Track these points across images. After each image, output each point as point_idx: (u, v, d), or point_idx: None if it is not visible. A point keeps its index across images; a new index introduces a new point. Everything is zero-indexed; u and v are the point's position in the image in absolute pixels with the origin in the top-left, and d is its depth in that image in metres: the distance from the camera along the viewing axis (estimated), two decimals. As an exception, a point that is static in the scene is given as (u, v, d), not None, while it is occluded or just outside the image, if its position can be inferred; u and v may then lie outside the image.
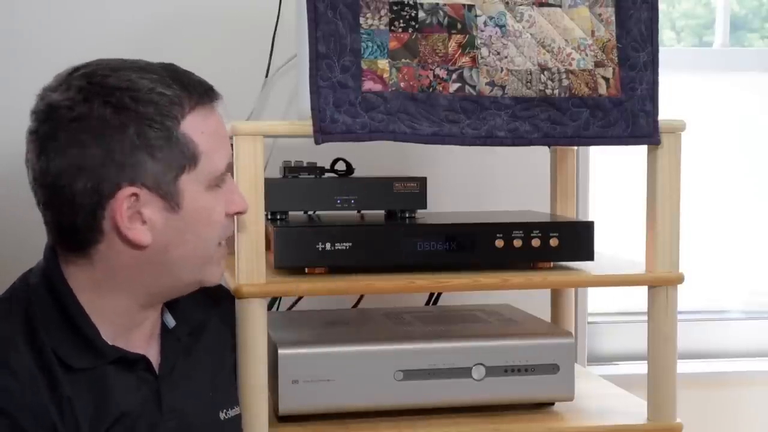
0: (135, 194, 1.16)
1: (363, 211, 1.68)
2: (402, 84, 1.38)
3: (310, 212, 1.69)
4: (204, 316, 1.37)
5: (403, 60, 1.38)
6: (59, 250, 1.22)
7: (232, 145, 1.33)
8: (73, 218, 1.17)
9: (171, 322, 1.31)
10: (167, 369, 1.27)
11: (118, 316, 1.23)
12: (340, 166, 1.73)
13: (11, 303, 1.22)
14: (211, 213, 1.23)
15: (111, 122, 1.15)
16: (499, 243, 1.47)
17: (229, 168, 1.26)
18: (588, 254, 1.51)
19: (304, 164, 1.63)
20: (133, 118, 1.16)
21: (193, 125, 1.20)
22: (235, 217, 1.35)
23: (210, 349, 1.35)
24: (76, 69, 1.20)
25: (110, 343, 1.22)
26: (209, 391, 1.32)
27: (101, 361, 1.20)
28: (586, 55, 1.44)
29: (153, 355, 1.27)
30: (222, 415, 1.32)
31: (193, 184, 1.20)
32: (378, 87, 1.37)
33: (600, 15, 1.45)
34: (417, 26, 1.39)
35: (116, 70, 1.19)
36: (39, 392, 1.15)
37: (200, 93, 1.22)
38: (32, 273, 1.26)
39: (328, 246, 1.43)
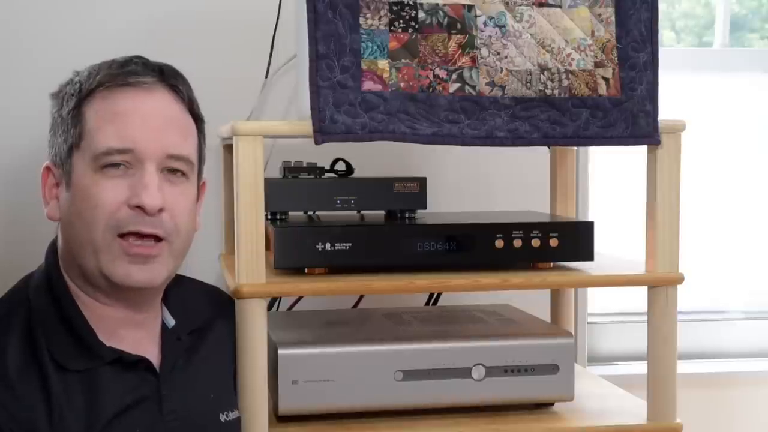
0: (48, 168, 1.25)
1: (363, 211, 1.68)
2: (402, 84, 1.38)
3: (310, 212, 1.69)
4: (208, 317, 1.37)
5: (402, 60, 1.38)
6: None
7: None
8: None
9: (171, 321, 1.32)
10: (168, 368, 1.27)
11: (101, 310, 1.23)
12: (340, 166, 1.74)
13: (10, 304, 1.22)
14: (94, 196, 1.18)
15: (52, 106, 1.26)
16: (499, 243, 1.47)
17: (121, 153, 1.19)
18: (588, 254, 1.51)
19: (304, 164, 1.63)
20: (58, 99, 1.25)
21: (93, 104, 1.21)
22: (236, 217, 1.35)
23: (212, 351, 1.35)
24: None
25: (107, 344, 1.22)
26: (210, 393, 1.32)
27: (97, 362, 1.20)
28: (586, 55, 1.44)
29: (155, 355, 1.28)
30: (222, 418, 1.32)
31: (80, 163, 1.21)
32: (378, 87, 1.37)
33: (600, 15, 1.45)
34: (417, 26, 1.39)
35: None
36: (28, 396, 1.14)
37: (115, 74, 1.22)
38: (34, 275, 1.26)
39: (328, 246, 1.43)
